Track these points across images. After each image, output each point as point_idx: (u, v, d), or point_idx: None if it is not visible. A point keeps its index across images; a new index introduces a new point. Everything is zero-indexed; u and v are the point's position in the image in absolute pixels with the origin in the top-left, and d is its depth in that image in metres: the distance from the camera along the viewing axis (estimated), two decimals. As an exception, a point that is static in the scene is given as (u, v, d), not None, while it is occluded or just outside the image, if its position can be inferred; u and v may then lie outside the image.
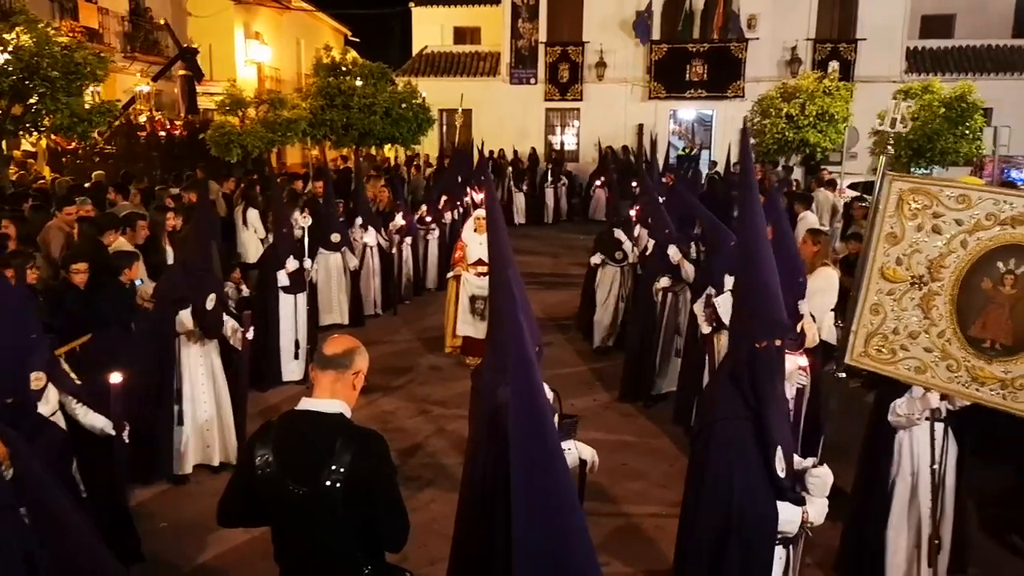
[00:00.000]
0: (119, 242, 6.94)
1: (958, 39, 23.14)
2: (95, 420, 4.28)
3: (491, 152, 21.59)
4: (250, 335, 5.73)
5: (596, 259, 8.79)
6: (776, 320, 3.08)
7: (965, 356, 2.70)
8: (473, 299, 8.06)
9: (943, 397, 3.91)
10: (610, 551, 4.76)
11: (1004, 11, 23.91)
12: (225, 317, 5.80)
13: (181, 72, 18.07)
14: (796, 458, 3.11)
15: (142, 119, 16.83)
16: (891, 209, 2.77)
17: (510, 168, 21.04)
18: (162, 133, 16.19)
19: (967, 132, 15.17)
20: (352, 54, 21.27)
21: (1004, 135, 15.21)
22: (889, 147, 3.10)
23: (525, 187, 20.70)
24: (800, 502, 2.95)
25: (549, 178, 21.03)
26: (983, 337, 2.66)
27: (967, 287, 2.66)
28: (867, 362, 2.88)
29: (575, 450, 3.45)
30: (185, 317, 5.45)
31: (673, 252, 7.12)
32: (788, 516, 2.90)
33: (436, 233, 11.62)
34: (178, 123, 16.98)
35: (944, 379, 2.75)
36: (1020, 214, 2.58)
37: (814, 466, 3.02)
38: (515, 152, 22.16)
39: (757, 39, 22.12)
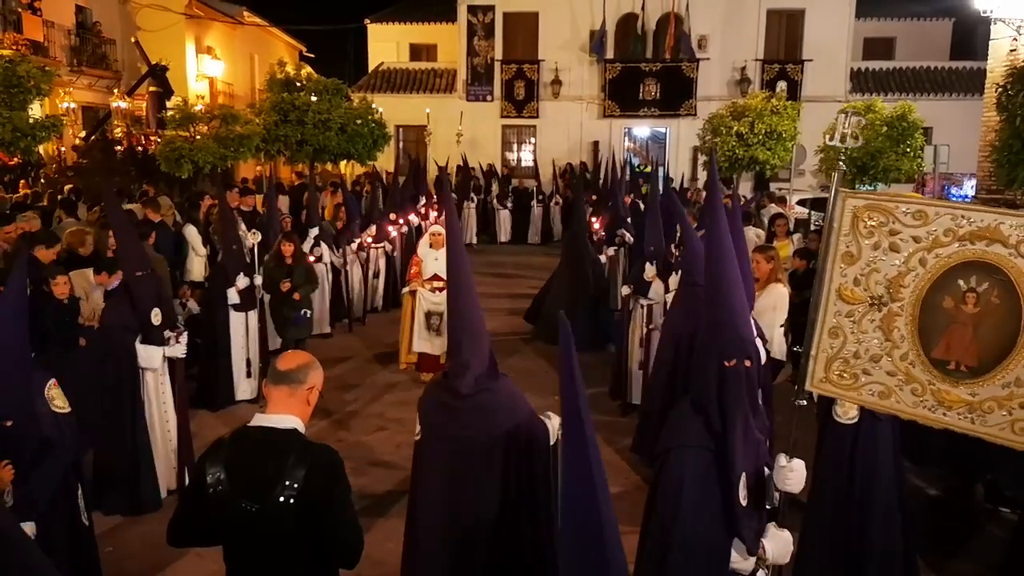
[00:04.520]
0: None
1: (899, 61, 24.07)
2: None
3: (487, 167, 21.53)
4: (180, 351, 5.55)
5: (626, 290, 7.82)
6: (744, 336, 2.97)
7: (930, 379, 2.55)
8: (429, 315, 8.02)
9: None
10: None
11: (942, 35, 24.98)
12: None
13: (151, 88, 18.04)
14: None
15: (118, 133, 16.71)
16: (846, 227, 2.61)
17: (495, 184, 20.90)
18: (139, 148, 15.98)
19: (908, 150, 15.69)
20: (307, 69, 21.12)
21: (943, 153, 15.76)
22: (841, 163, 2.83)
23: (510, 204, 20.46)
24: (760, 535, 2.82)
25: (541, 195, 20.85)
26: (947, 359, 2.52)
27: (928, 307, 2.52)
28: (829, 388, 2.70)
29: (555, 419, 3.45)
30: (155, 353, 5.34)
31: (648, 270, 7.22)
32: (737, 557, 2.79)
33: (388, 249, 11.52)
34: (153, 138, 16.83)
35: (910, 404, 2.60)
36: (979, 229, 2.43)
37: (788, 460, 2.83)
38: (476, 167, 22.18)
39: (708, 59, 22.66)
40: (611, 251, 10.46)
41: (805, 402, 2.80)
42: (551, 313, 9.94)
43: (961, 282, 2.48)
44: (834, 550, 4.16)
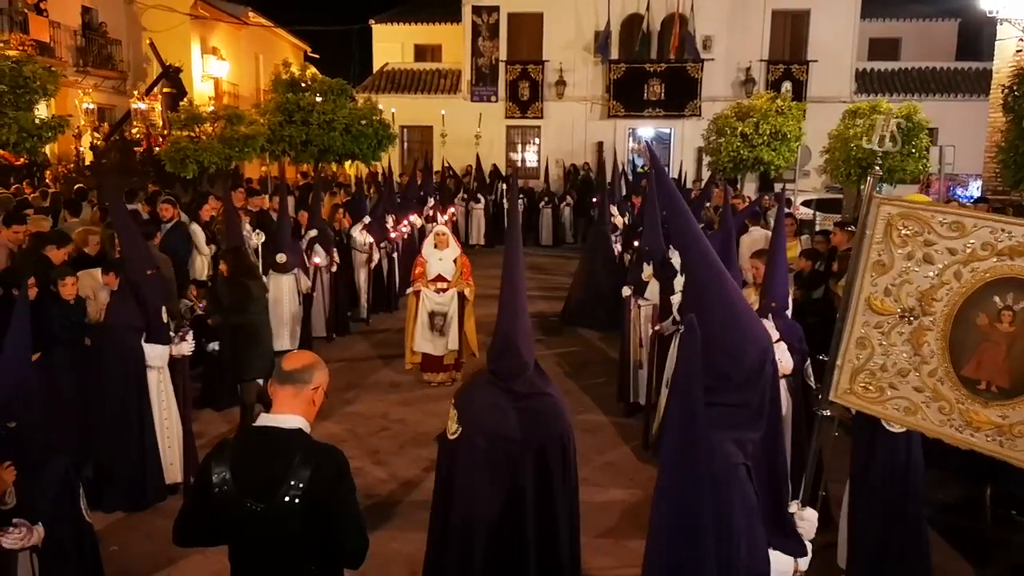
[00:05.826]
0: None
1: (904, 61, 24.03)
2: None
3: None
4: (186, 348, 5.56)
5: (626, 291, 7.60)
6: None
7: (958, 398, 2.45)
8: (432, 315, 7.99)
9: None
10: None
11: (947, 36, 24.92)
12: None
13: (165, 90, 18.21)
14: None
15: (135, 133, 16.89)
16: (879, 235, 2.51)
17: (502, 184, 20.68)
18: (157, 149, 16.08)
19: (914, 151, 15.66)
20: (311, 70, 21.16)
21: (949, 154, 15.71)
22: (877, 167, 2.78)
23: (526, 202, 19.80)
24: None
25: (550, 197, 20.39)
26: (978, 378, 2.41)
27: (961, 322, 2.41)
28: (852, 400, 2.62)
29: None
30: (162, 352, 5.35)
31: (646, 270, 7.20)
32: (781, 567, 2.57)
33: (389, 249, 11.44)
34: (170, 139, 16.94)
35: (936, 422, 2.50)
36: (1019, 244, 2.30)
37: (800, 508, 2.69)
38: (475, 169, 22.13)
39: (712, 60, 22.64)
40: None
41: (829, 412, 2.69)
42: (574, 299, 11.10)
43: (997, 299, 2.36)
44: (888, 552, 4.17)
